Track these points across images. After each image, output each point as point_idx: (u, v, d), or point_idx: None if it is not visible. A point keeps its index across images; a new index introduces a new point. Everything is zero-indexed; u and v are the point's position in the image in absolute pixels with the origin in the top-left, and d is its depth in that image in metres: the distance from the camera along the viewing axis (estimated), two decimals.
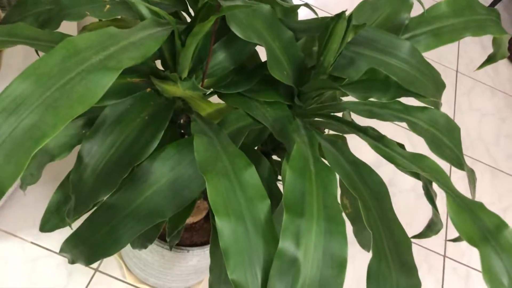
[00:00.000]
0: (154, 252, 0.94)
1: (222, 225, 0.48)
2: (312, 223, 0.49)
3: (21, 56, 0.87)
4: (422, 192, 1.70)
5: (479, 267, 1.30)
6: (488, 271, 0.46)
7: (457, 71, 2.15)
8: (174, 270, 1.00)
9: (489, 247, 0.47)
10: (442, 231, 1.55)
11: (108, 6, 0.62)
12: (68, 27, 0.69)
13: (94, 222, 0.57)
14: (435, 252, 1.52)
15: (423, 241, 1.52)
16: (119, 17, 0.66)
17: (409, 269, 0.61)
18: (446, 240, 1.53)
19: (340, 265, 0.48)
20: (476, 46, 2.26)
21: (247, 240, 0.49)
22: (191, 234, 0.98)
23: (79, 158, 0.56)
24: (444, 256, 1.52)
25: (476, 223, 0.48)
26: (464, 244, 1.58)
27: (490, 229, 0.48)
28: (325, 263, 0.48)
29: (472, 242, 0.46)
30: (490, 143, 1.93)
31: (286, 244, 0.47)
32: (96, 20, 0.76)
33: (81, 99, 0.45)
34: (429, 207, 0.81)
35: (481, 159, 1.86)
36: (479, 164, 1.84)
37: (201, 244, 0.95)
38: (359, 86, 0.54)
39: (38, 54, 0.72)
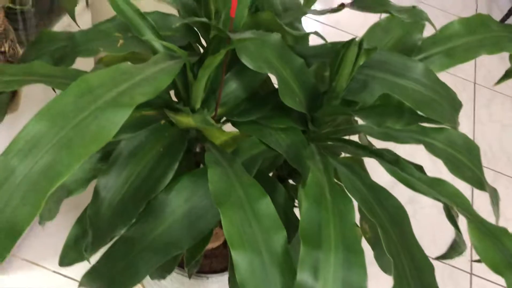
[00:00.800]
0: (174, 281, 0.94)
1: (238, 257, 0.48)
2: (330, 254, 0.48)
3: (40, 92, 0.89)
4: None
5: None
6: None
7: (475, 83, 2.12)
8: None
9: None
10: (468, 249, 1.52)
11: (121, 41, 0.63)
12: (84, 61, 0.70)
13: (112, 257, 0.58)
14: (461, 269, 1.48)
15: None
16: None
17: None
18: (471, 261, 1.49)
19: None
20: (493, 57, 2.22)
21: (263, 272, 0.48)
22: (210, 261, 0.97)
23: (96, 192, 0.57)
24: (471, 274, 1.48)
25: (500, 250, 0.46)
26: None
27: None
28: None
29: (497, 271, 0.45)
30: None
31: (304, 277, 0.47)
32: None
33: (95, 138, 0.45)
34: (449, 238, 0.79)
35: (505, 172, 1.82)
36: (503, 178, 1.80)
37: (221, 270, 0.95)
38: (372, 112, 0.54)
39: (55, 91, 0.73)
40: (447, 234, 0.80)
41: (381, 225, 0.59)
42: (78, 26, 0.79)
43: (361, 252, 0.49)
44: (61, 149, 0.45)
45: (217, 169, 0.55)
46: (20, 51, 0.81)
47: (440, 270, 1.48)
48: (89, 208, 0.57)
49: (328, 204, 0.51)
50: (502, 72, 0.77)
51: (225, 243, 0.99)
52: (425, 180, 0.54)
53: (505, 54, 0.79)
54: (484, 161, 0.68)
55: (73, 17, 0.84)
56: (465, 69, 2.15)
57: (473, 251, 1.48)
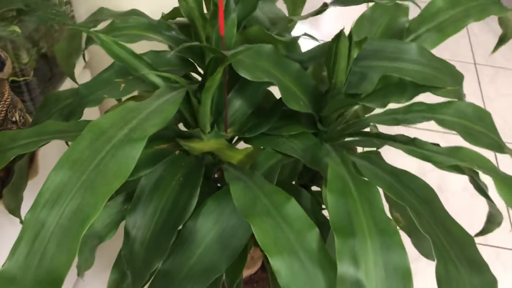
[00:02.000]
0: None
1: (277, 264, 0.48)
2: (366, 241, 0.48)
3: (57, 155, 0.91)
4: (473, 190, 1.65)
5: None
6: None
7: (475, 64, 2.12)
8: None
9: None
10: (507, 225, 1.48)
11: (122, 85, 0.65)
12: (91, 115, 0.73)
13: None
14: (505, 248, 1.45)
15: (490, 240, 1.45)
16: (136, 93, 0.69)
17: (479, 267, 0.59)
18: None
19: (405, 276, 0.47)
20: (487, 35, 2.23)
21: (305, 273, 0.48)
22: (252, 287, 0.96)
23: (126, 233, 0.58)
24: None
25: None
26: None
27: None
28: (389, 277, 0.47)
29: None
30: None
31: (345, 268, 0.46)
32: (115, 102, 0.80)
33: (115, 175, 0.47)
34: (483, 214, 0.78)
35: None
36: None
37: None
38: (376, 95, 0.55)
39: (68, 145, 0.75)
40: (483, 216, 0.79)
41: (411, 207, 0.58)
42: (77, 84, 0.82)
43: (395, 232, 0.48)
44: (85, 192, 0.46)
45: (238, 184, 0.56)
46: (30, 119, 0.83)
47: (487, 253, 1.45)
48: (123, 249, 0.58)
49: (353, 193, 0.52)
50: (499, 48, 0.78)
51: (262, 267, 0.99)
52: (444, 151, 0.55)
53: (498, 28, 0.80)
54: (503, 137, 0.68)
55: (73, 79, 0.87)
56: (462, 52, 2.16)
57: None
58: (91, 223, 0.44)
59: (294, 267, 0.48)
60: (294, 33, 0.74)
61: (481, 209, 0.78)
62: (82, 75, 1.07)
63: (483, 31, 2.24)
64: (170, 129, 0.65)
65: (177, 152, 0.64)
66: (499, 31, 0.80)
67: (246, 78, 0.63)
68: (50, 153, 0.91)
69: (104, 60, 0.99)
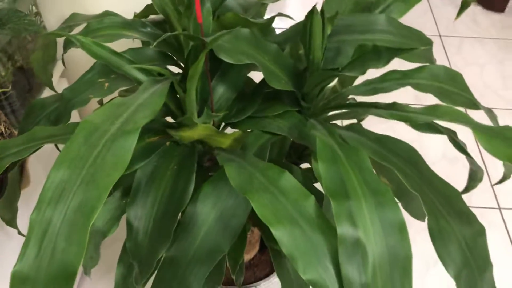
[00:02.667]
0: None
1: (279, 233, 0.50)
2: (361, 201, 0.50)
3: (47, 164, 0.92)
4: (454, 155, 1.71)
5: None
6: None
7: (440, 36, 2.18)
8: None
9: None
10: (488, 187, 1.54)
11: (106, 84, 0.67)
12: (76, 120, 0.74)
13: (163, 280, 0.59)
14: (489, 208, 1.50)
15: (473, 201, 1.50)
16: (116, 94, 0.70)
17: (467, 218, 0.62)
18: (492, 186, 1.51)
19: (401, 229, 0.49)
20: (448, 7, 2.30)
21: (306, 239, 0.50)
22: (253, 271, 0.99)
23: (129, 225, 0.59)
24: (499, 208, 1.50)
25: (509, 143, 0.49)
26: None
27: None
28: (386, 233, 0.49)
29: None
30: (499, 89, 1.94)
31: (344, 229, 0.49)
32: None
33: (114, 166, 0.48)
34: (466, 170, 0.81)
35: (496, 106, 1.85)
36: (497, 112, 1.83)
37: (265, 276, 0.96)
38: (353, 65, 0.57)
39: (58, 148, 0.76)
40: (464, 180, 0.82)
41: (398, 168, 0.61)
42: (56, 92, 0.83)
43: (387, 190, 0.51)
44: (87, 186, 0.47)
45: (232, 165, 0.58)
46: (15, 131, 0.84)
47: None
48: (127, 241, 0.59)
49: (343, 160, 0.54)
50: (461, 18, 0.81)
51: (260, 251, 1.01)
52: (422, 111, 0.57)
53: (458, 1, 0.83)
54: None
55: (52, 88, 0.87)
56: (427, 27, 2.22)
57: (494, 187, 1.50)
58: (96, 216, 0.46)
59: (296, 235, 0.50)
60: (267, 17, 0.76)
61: (461, 175, 0.82)
62: (59, 84, 1.07)
63: (444, 3, 2.30)
64: (158, 122, 0.67)
65: (168, 143, 0.65)
66: (459, 2, 0.83)
67: (227, 64, 0.65)
68: (39, 163, 0.92)
69: (79, 67, 0.99)
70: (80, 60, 1.02)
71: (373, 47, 0.55)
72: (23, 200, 0.75)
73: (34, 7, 0.98)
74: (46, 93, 1.01)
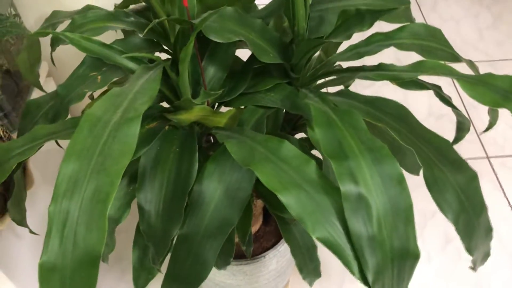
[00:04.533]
0: (237, 274, 0.98)
1: (286, 199, 0.53)
2: (359, 159, 0.53)
3: (49, 164, 0.93)
4: (439, 112, 1.75)
5: None
6: None
7: None
8: (260, 281, 1.04)
9: None
10: (475, 138, 1.58)
11: (99, 76, 0.68)
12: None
13: (178, 257, 0.62)
14: (477, 158, 1.55)
15: (462, 153, 1.54)
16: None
17: (460, 165, 0.65)
18: (479, 136, 1.56)
19: (399, 181, 0.52)
20: None
21: (312, 200, 0.53)
22: (260, 243, 1.02)
23: (140, 208, 0.61)
24: (487, 157, 1.55)
25: (493, 89, 0.52)
26: (500, 136, 1.60)
27: (506, 88, 0.52)
28: (386, 186, 0.52)
29: (498, 105, 0.51)
30: (476, 42, 1.97)
31: (346, 187, 0.52)
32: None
33: (122, 153, 0.50)
34: (453, 126, 0.84)
35: (475, 59, 1.89)
36: (476, 64, 1.87)
37: (272, 246, 0.99)
38: (339, 30, 0.59)
39: (58, 144, 0.77)
40: (451, 136, 0.85)
41: (390, 126, 0.64)
42: (45, 92, 0.83)
43: (383, 146, 0.54)
44: (98, 174, 0.49)
45: (232, 141, 0.60)
46: (12, 134, 0.85)
47: None
48: (141, 224, 0.61)
49: (338, 123, 0.57)
50: None
51: (264, 222, 1.04)
52: (408, 68, 0.60)
53: None
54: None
55: (40, 88, 0.88)
56: None
57: (478, 132, 1.55)
58: (111, 202, 0.48)
59: (301, 198, 0.53)
60: None
61: (448, 131, 0.85)
62: (47, 83, 1.08)
63: None
64: (155, 108, 0.68)
65: (166, 127, 0.67)
66: None
67: (215, 44, 0.67)
68: (43, 165, 0.93)
69: (64, 64, 1.00)
70: (64, 58, 1.02)
71: (356, 11, 0.57)
72: (29, 201, 0.77)
73: (12, 9, 0.97)
74: (35, 94, 1.02)
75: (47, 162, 0.97)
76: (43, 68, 1.05)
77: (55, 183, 0.50)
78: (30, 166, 0.82)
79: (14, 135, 0.86)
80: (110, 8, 0.86)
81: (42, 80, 1.06)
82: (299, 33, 0.66)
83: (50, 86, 1.07)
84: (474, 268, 0.70)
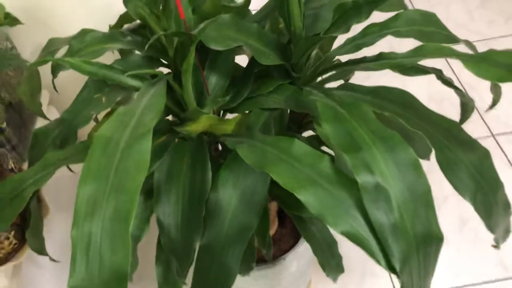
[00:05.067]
0: (259, 279, 0.98)
1: (304, 197, 0.53)
2: (372, 149, 0.53)
3: (62, 193, 0.93)
4: (440, 96, 1.76)
5: None
6: None
7: None
8: (282, 283, 1.04)
9: None
10: (477, 117, 1.59)
11: (103, 98, 0.68)
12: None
13: (202, 268, 0.62)
14: (482, 137, 1.55)
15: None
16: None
17: (471, 144, 0.65)
18: (481, 115, 1.56)
19: (415, 166, 0.52)
20: None
21: (330, 195, 0.53)
22: (278, 246, 1.02)
23: (159, 223, 0.62)
24: (493, 135, 1.55)
25: (496, 65, 0.52)
26: (503, 114, 1.61)
27: (508, 62, 0.52)
28: (402, 172, 0.52)
29: (503, 79, 0.51)
30: (467, 23, 1.98)
31: (363, 178, 0.52)
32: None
33: (137, 169, 0.50)
34: (454, 109, 0.85)
35: (470, 39, 1.89)
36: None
37: (290, 247, 0.99)
38: (337, 24, 0.60)
39: (70, 169, 0.78)
40: (454, 118, 0.85)
41: (397, 113, 0.65)
42: (50, 120, 0.84)
43: (394, 134, 0.54)
44: (117, 193, 0.49)
45: (243, 146, 0.60)
46: (22, 165, 0.85)
47: None
48: (162, 239, 0.62)
49: (346, 116, 0.57)
50: None
51: (280, 225, 1.04)
52: (409, 54, 0.60)
53: None
54: None
55: (44, 117, 0.89)
56: None
57: (483, 116, 1.55)
58: (133, 219, 0.48)
59: (320, 194, 0.53)
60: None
61: (450, 113, 0.86)
62: (49, 111, 1.09)
63: None
64: (162, 122, 0.69)
65: (176, 140, 0.68)
66: None
67: (214, 53, 0.67)
68: (52, 192, 0.94)
69: (66, 91, 1.01)
70: (64, 84, 1.03)
71: (353, 3, 0.57)
72: (46, 230, 0.77)
73: (8, 43, 0.98)
74: (39, 123, 1.02)
75: (58, 189, 0.97)
76: (44, 97, 1.06)
77: (75, 206, 0.50)
78: (43, 195, 0.83)
79: (24, 166, 0.86)
80: (105, 29, 0.86)
81: (44, 108, 1.06)
82: (296, 32, 0.66)
83: (53, 114, 1.07)
84: (497, 246, 0.70)
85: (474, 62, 0.52)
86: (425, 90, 1.70)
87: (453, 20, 2.00)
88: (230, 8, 0.64)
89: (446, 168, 0.62)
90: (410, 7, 2.07)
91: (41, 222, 0.77)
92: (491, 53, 0.54)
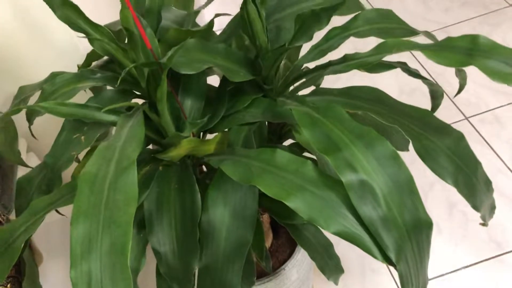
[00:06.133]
0: None
1: (294, 204, 0.54)
2: (352, 148, 0.55)
3: (53, 239, 0.93)
4: (410, 87, 1.80)
5: (497, 104, 1.38)
6: (493, 74, 0.53)
7: None
8: None
9: (478, 57, 0.54)
10: (449, 103, 1.63)
11: (82, 137, 0.69)
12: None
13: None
14: (457, 121, 1.59)
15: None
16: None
17: (445, 129, 0.68)
18: (451, 99, 1.61)
19: (394, 158, 0.54)
20: None
21: (318, 198, 0.54)
22: (276, 257, 1.02)
23: (156, 252, 0.62)
24: (466, 118, 1.59)
25: (455, 51, 0.55)
26: (472, 96, 1.65)
27: (467, 47, 0.55)
28: (383, 166, 0.54)
29: (464, 64, 0.53)
30: (424, 13, 2.04)
31: (347, 177, 0.53)
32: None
33: (127, 202, 0.51)
34: (425, 98, 0.87)
35: (429, 29, 1.95)
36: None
37: (288, 256, 1.00)
38: (300, 34, 0.62)
39: (58, 212, 0.77)
40: (427, 107, 0.88)
41: (370, 110, 0.67)
42: (31, 167, 0.84)
43: (370, 130, 0.56)
44: (110, 228, 0.50)
45: (227, 163, 0.61)
46: (10, 216, 0.84)
47: None
48: (161, 267, 0.62)
49: (322, 119, 0.58)
50: None
51: (275, 237, 1.05)
52: (372, 52, 0.63)
53: None
54: None
55: (25, 165, 0.89)
56: None
57: (454, 100, 1.59)
58: (129, 250, 0.48)
59: (308, 199, 0.54)
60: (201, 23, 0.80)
61: (422, 102, 0.88)
62: (29, 158, 1.08)
63: None
64: (144, 152, 0.69)
65: (160, 168, 0.68)
66: None
67: (185, 77, 0.69)
68: (42, 238, 0.93)
69: (43, 136, 1.01)
70: (40, 129, 1.03)
71: (311, 12, 0.59)
72: (42, 276, 0.77)
73: None
74: (21, 171, 1.01)
75: (47, 234, 0.97)
76: (22, 145, 1.06)
77: (70, 247, 0.50)
78: (34, 242, 0.82)
79: (11, 216, 0.85)
80: (74, 69, 0.87)
81: (23, 156, 1.05)
82: (262, 46, 0.68)
83: (33, 160, 1.07)
84: (485, 223, 0.73)
85: (434, 51, 0.55)
86: (395, 84, 1.74)
87: (410, 12, 2.06)
88: (194, 32, 0.66)
89: (425, 155, 0.64)
90: (367, 5, 2.13)
91: (36, 270, 0.77)
92: (448, 40, 0.57)
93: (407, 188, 0.54)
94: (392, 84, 1.73)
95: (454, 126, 1.56)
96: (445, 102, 1.63)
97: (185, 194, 0.65)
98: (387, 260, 0.53)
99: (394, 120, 0.66)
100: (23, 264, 0.71)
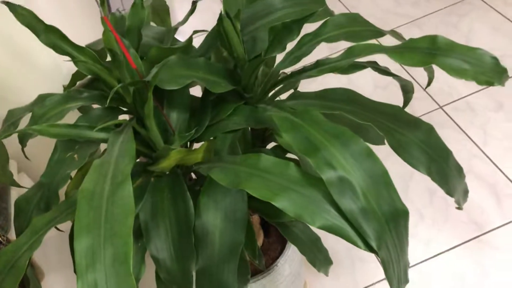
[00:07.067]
0: None
1: (280, 203, 0.58)
2: (329, 148, 0.59)
3: (52, 256, 0.95)
4: (384, 83, 1.86)
5: (468, 91, 1.44)
6: (452, 71, 0.58)
7: None
8: None
9: (439, 56, 0.59)
10: (423, 94, 1.69)
11: (75, 155, 0.72)
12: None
13: None
14: (431, 111, 1.66)
15: (418, 111, 1.65)
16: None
17: (415, 123, 0.73)
18: (425, 90, 1.67)
19: (369, 154, 0.59)
20: None
21: (303, 197, 0.59)
22: (268, 255, 1.07)
23: (154, 259, 0.66)
24: (440, 107, 1.66)
25: (417, 51, 0.60)
26: (444, 85, 1.72)
27: (428, 47, 0.60)
28: (359, 162, 0.59)
29: (426, 63, 0.58)
30: (394, 8, 2.10)
31: (327, 175, 0.58)
32: None
33: (125, 214, 0.55)
34: (400, 91, 0.92)
35: (399, 23, 2.02)
36: (401, 29, 2.00)
37: (280, 253, 1.04)
38: (273, 45, 0.66)
39: (58, 229, 0.80)
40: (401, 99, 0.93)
41: (345, 110, 0.71)
42: (25, 188, 0.86)
43: (345, 130, 0.60)
44: (111, 239, 0.54)
45: (215, 170, 0.65)
46: (10, 236, 0.87)
47: None
48: (160, 273, 0.66)
49: (300, 123, 0.63)
50: None
51: (265, 235, 1.09)
52: (342, 56, 0.67)
53: None
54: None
55: (18, 186, 0.91)
56: None
57: (428, 91, 1.65)
58: (131, 259, 0.52)
59: (293, 198, 0.59)
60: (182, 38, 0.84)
61: (397, 96, 0.92)
62: (21, 178, 1.10)
63: None
64: (136, 165, 0.73)
65: (152, 179, 0.72)
66: None
67: (169, 92, 0.73)
68: (41, 255, 0.96)
69: (33, 156, 1.03)
70: (30, 149, 1.05)
71: (282, 25, 0.64)
72: None
73: None
74: (14, 192, 1.04)
75: (46, 250, 0.99)
76: (13, 166, 1.08)
77: (75, 261, 0.54)
78: (35, 260, 0.85)
79: (11, 237, 0.88)
80: (59, 90, 0.90)
81: (15, 177, 1.08)
82: (240, 58, 0.72)
83: (25, 181, 1.09)
84: (459, 207, 0.78)
85: (398, 53, 0.60)
86: (370, 79, 1.80)
87: (380, 8, 2.12)
88: (175, 49, 0.70)
89: (398, 149, 0.69)
90: (340, 6, 2.18)
91: (39, 286, 0.80)
92: (411, 41, 0.62)
93: (382, 181, 0.59)
94: (367, 78, 1.79)
95: (429, 115, 1.63)
96: (419, 93, 1.71)
97: (178, 202, 0.68)
98: (369, 248, 0.58)
99: (368, 118, 0.71)
100: (27, 282, 0.74)
